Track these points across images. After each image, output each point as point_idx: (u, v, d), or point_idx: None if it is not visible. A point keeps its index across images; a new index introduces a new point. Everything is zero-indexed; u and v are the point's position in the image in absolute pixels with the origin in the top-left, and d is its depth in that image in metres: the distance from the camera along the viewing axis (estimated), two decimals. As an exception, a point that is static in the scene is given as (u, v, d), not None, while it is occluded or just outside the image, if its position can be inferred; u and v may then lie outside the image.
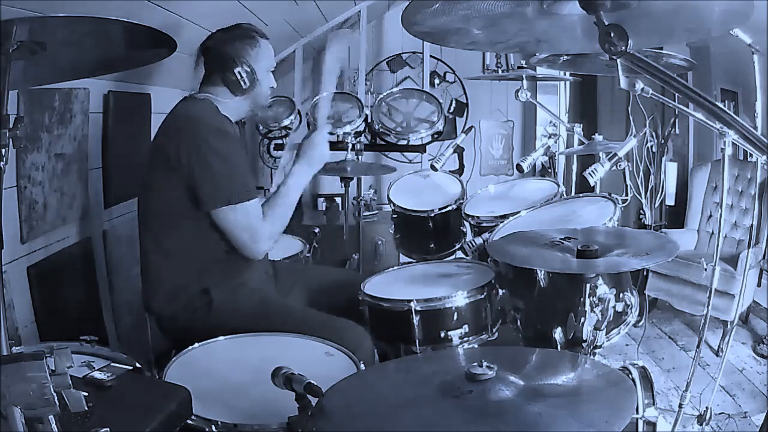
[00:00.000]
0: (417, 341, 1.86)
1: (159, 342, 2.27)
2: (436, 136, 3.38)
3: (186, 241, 1.81)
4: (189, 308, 1.79)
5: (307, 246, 2.52)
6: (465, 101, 4.80)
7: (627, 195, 2.87)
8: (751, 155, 3.59)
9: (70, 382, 0.90)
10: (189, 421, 1.19)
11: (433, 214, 2.55)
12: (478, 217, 2.45)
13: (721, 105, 0.88)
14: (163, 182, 1.79)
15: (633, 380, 1.56)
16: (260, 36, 1.89)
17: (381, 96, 3.45)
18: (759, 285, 3.54)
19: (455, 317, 1.87)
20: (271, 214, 1.82)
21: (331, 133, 3.24)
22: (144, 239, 1.88)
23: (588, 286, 1.55)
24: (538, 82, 4.49)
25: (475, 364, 1.03)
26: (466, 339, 1.88)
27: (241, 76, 1.84)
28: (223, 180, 1.73)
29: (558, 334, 1.70)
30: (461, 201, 2.59)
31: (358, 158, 3.10)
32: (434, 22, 1.10)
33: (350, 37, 2.15)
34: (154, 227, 1.86)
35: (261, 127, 3.43)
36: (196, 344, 1.55)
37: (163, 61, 1.32)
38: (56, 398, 0.85)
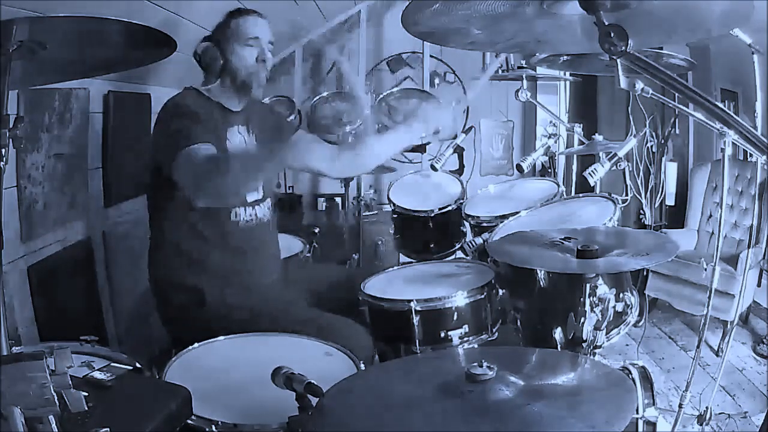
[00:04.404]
0: (417, 341, 1.86)
1: (159, 342, 2.27)
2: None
3: (182, 236, 1.82)
4: (187, 304, 1.80)
5: (307, 246, 2.52)
6: (465, 101, 4.79)
7: (627, 195, 2.87)
8: (751, 155, 3.59)
9: (70, 382, 0.90)
10: (189, 421, 1.18)
11: (433, 214, 2.55)
12: (478, 217, 2.45)
13: (721, 105, 0.88)
14: (152, 175, 1.83)
15: (633, 380, 1.56)
16: (233, 17, 1.90)
17: (381, 96, 3.45)
18: (759, 285, 3.53)
19: (455, 317, 1.87)
20: (231, 161, 1.60)
21: (331, 133, 3.29)
22: (151, 234, 1.92)
23: (588, 286, 1.55)
24: (538, 82, 4.50)
25: (475, 364, 1.03)
26: (466, 339, 1.87)
27: (206, 60, 1.87)
28: (172, 143, 1.64)
29: (558, 334, 1.70)
30: (461, 201, 2.59)
31: (358, 158, 3.10)
32: (434, 22, 1.10)
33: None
34: (155, 222, 1.89)
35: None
36: (196, 344, 1.55)
37: (163, 61, 1.32)
38: (56, 398, 0.85)
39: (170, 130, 1.71)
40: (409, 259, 2.65)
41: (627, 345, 3.07)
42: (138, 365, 1.36)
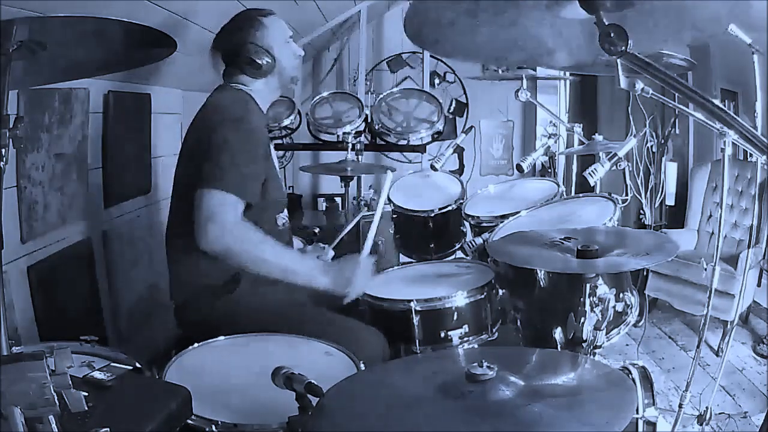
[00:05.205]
0: (417, 341, 1.86)
1: (160, 342, 2.27)
2: (436, 136, 3.39)
3: None
4: (214, 294, 1.78)
5: (306, 246, 2.51)
6: (465, 101, 4.80)
7: (627, 195, 2.87)
8: (751, 155, 3.59)
9: (70, 382, 0.89)
10: (189, 421, 1.18)
11: (433, 214, 2.55)
12: (478, 217, 2.45)
13: (721, 105, 0.88)
14: (187, 169, 1.79)
15: (633, 380, 1.56)
16: (263, 15, 1.89)
17: (381, 96, 3.45)
18: (759, 285, 3.54)
19: (455, 317, 1.87)
20: (251, 237, 1.67)
21: (331, 133, 3.28)
22: (174, 227, 1.87)
23: (588, 286, 1.55)
24: (538, 82, 4.50)
25: (475, 364, 1.03)
26: (466, 339, 1.88)
27: (254, 60, 1.84)
28: (221, 169, 1.67)
29: (558, 334, 1.70)
30: (461, 201, 2.59)
31: (358, 158, 3.11)
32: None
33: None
34: (184, 212, 1.82)
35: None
36: (196, 344, 1.55)
37: (163, 61, 1.32)
38: (56, 398, 0.85)
39: (228, 146, 1.68)
40: (409, 259, 2.65)
41: (627, 345, 3.08)
42: (138, 365, 1.36)
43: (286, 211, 1.99)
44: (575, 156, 3.07)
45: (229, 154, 1.69)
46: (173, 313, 1.90)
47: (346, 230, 2.30)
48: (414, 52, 4.65)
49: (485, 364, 1.03)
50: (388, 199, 2.71)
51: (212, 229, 1.62)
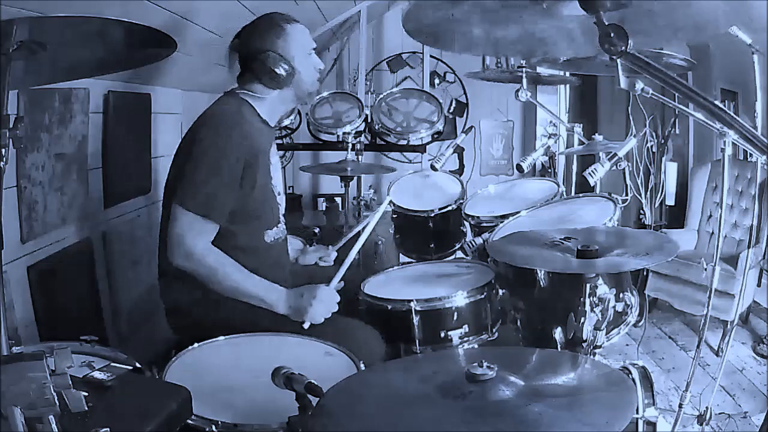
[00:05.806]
0: (417, 341, 1.86)
1: (160, 342, 2.26)
2: (436, 136, 3.39)
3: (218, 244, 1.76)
4: (206, 296, 1.75)
5: (307, 246, 2.52)
6: (465, 101, 4.80)
7: (627, 195, 2.87)
8: (751, 155, 3.59)
9: (70, 382, 0.90)
10: (189, 421, 1.18)
11: (433, 214, 2.55)
12: (478, 217, 2.45)
13: (721, 105, 0.88)
14: (178, 171, 1.76)
15: (633, 380, 1.56)
16: (286, 22, 1.81)
17: (381, 96, 3.45)
18: (759, 285, 3.54)
19: (455, 317, 1.87)
20: (217, 262, 1.70)
21: (331, 133, 3.28)
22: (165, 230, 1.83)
23: (588, 286, 1.55)
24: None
25: (476, 364, 1.03)
26: (466, 339, 1.88)
27: (273, 70, 1.76)
28: (194, 184, 1.67)
29: (558, 334, 1.70)
30: (461, 201, 2.59)
31: (358, 158, 3.11)
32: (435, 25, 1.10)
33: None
34: None
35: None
36: (196, 344, 1.55)
37: (164, 61, 1.32)
38: (56, 398, 0.85)
39: (209, 159, 1.67)
40: (409, 259, 2.65)
41: (627, 345, 3.08)
42: (138, 365, 1.36)
43: (281, 226, 1.95)
44: (575, 156, 3.07)
45: (209, 168, 1.67)
46: (165, 316, 1.88)
47: (354, 232, 2.30)
48: (414, 52, 4.65)
49: (485, 364, 1.03)
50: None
51: (181, 251, 1.67)
